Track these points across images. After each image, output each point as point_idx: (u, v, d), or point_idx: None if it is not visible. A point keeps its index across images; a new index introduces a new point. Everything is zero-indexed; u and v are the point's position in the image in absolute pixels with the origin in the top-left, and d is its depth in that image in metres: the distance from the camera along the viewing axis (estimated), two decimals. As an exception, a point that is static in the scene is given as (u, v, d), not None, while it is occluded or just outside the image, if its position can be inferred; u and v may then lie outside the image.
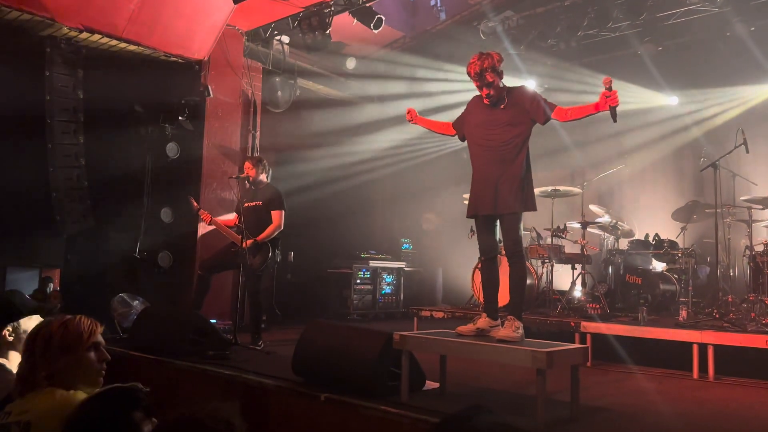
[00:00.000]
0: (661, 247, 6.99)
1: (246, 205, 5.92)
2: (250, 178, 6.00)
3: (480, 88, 4.01)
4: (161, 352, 4.83)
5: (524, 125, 3.99)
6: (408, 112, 4.48)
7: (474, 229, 4.32)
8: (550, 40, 8.12)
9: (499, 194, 3.92)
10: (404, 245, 10.15)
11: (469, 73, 4.00)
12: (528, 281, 6.32)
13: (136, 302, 6.32)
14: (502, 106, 4.02)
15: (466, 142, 4.26)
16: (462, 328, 3.89)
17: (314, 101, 9.24)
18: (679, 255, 6.80)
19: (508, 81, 4.12)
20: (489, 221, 4.07)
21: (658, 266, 7.18)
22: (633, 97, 8.53)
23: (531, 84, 8.62)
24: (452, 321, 6.29)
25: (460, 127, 4.31)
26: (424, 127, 4.53)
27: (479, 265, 6.76)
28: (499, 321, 3.97)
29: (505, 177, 3.92)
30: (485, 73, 3.93)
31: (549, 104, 3.96)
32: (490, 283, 4.11)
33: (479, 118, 4.11)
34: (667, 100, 8.56)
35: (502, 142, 3.97)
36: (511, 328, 3.71)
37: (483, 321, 3.93)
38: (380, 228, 11.04)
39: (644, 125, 8.66)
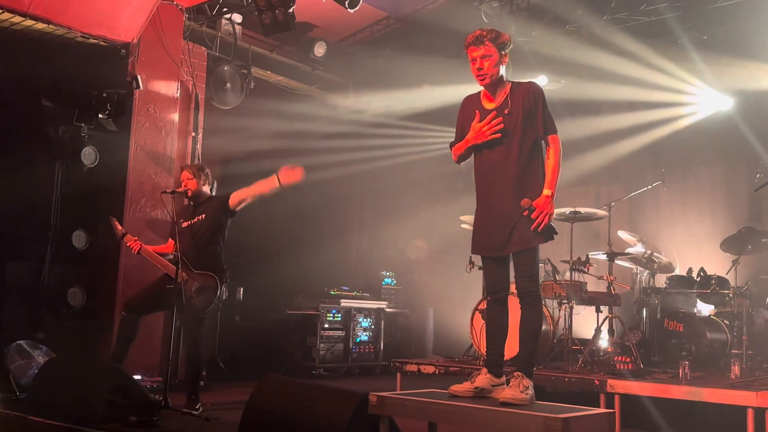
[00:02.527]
0: (707, 286, 7.03)
1: (184, 224, 5.88)
2: (189, 192, 5.97)
3: (473, 61, 4.03)
4: (69, 417, 4.77)
5: (536, 132, 4.02)
6: None
7: (474, 260, 4.32)
8: (569, 26, 8.23)
9: (517, 229, 3.93)
10: (386, 280, 10.14)
11: (466, 42, 4.05)
12: (542, 327, 6.33)
13: (37, 352, 6.25)
14: (506, 111, 4.03)
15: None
16: (456, 388, 3.89)
17: (273, 96, 9.25)
18: (731, 295, 6.85)
19: (517, 76, 4.15)
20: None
21: (705, 309, 7.23)
22: (672, 97, 8.65)
23: (543, 80, 8.71)
24: (445, 378, 6.27)
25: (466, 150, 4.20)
26: None
27: (482, 307, 6.77)
28: (503, 378, 3.97)
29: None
30: (485, 39, 3.99)
31: (551, 124, 4.02)
32: (495, 331, 4.11)
33: None
34: (716, 102, 8.68)
35: (515, 158, 3.98)
36: (518, 388, 3.72)
37: (483, 378, 3.94)
38: (356, 258, 11.03)
39: (687, 132, 8.75)
